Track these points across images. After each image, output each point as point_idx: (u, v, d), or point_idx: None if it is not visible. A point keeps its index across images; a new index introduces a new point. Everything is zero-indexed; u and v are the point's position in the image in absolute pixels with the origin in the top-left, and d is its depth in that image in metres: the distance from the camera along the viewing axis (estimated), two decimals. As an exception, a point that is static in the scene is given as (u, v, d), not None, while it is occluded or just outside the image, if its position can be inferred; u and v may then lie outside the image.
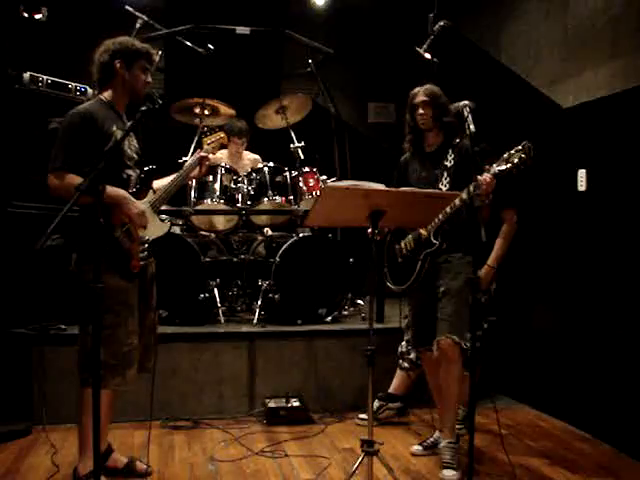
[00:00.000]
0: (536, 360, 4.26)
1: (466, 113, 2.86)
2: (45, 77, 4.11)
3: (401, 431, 3.80)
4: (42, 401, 3.68)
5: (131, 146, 3.02)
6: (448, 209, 3.07)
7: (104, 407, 2.73)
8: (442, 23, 4.19)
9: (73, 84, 4.23)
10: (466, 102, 2.90)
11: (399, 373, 3.92)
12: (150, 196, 3.02)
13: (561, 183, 4.03)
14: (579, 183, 3.88)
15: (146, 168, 3.12)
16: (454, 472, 3.08)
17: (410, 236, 3.31)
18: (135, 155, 3.03)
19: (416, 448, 3.46)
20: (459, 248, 3.25)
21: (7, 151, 3.94)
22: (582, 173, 3.86)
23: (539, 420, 4.02)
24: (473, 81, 4.73)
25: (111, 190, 2.78)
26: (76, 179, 2.70)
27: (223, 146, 5.22)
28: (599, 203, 3.75)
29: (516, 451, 3.44)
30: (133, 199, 2.88)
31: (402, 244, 3.34)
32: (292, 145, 4.93)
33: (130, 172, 2.97)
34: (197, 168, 3.23)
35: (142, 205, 2.91)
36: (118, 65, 2.93)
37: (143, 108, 2.70)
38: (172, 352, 3.98)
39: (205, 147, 3.36)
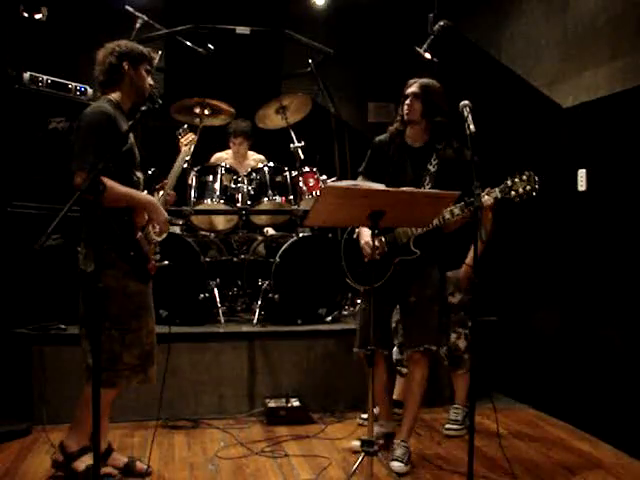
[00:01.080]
0: (536, 360, 4.26)
1: (466, 113, 2.85)
2: (45, 77, 4.11)
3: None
4: (42, 401, 3.67)
5: (137, 148, 3.06)
6: (436, 221, 3.05)
7: (107, 406, 2.88)
8: (442, 23, 4.19)
9: (73, 84, 4.23)
10: (466, 102, 2.90)
11: (400, 380, 3.91)
12: (158, 198, 3.07)
13: (561, 183, 4.03)
14: (579, 183, 3.88)
15: (150, 171, 3.15)
16: (403, 465, 3.13)
17: (384, 239, 3.20)
18: (139, 157, 3.07)
19: (354, 443, 3.41)
20: (432, 261, 3.24)
21: (7, 151, 3.94)
22: (582, 173, 3.86)
23: (539, 420, 4.02)
24: (473, 81, 4.73)
25: (140, 195, 2.90)
26: (107, 181, 2.60)
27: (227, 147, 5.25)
28: (599, 203, 3.75)
29: (516, 451, 3.44)
30: (159, 205, 2.93)
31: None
32: (292, 145, 4.93)
33: (139, 174, 3.01)
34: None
35: (165, 212, 2.97)
36: (126, 67, 2.97)
37: (143, 108, 2.71)
38: (172, 352, 3.97)
39: (183, 148, 3.30)
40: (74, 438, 2.95)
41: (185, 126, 3.41)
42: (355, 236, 3.37)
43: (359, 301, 4.83)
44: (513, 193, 2.92)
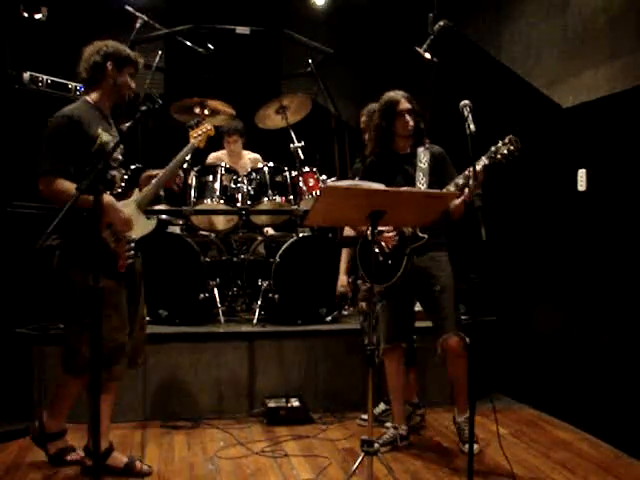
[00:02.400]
0: (536, 360, 4.26)
1: (466, 113, 2.86)
2: (45, 77, 4.11)
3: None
4: (42, 401, 3.67)
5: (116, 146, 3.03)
6: None
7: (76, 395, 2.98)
8: (442, 23, 4.19)
9: (73, 84, 4.22)
10: (466, 102, 2.90)
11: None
12: (136, 195, 3.07)
13: (561, 183, 4.02)
14: (579, 183, 3.88)
15: (133, 167, 3.14)
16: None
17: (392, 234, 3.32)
18: (120, 156, 3.08)
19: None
20: (442, 246, 3.37)
21: (7, 151, 3.94)
22: (582, 173, 3.86)
23: (539, 420, 4.02)
24: (473, 81, 4.72)
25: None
26: (65, 183, 2.80)
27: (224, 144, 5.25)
28: (599, 203, 3.75)
29: (516, 451, 3.44)
30: (118, 206, 2.90)
31: (383, 243, 3.33)
32: (292, 145, 4.93)
33: (114, 173, 3.02)
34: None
35: (127, 210, 2.93)
36: (110, 67, 3.00)
37: (143, 108, 2.72)
38: (172, 352, 3.98)
39: (192, 140, 3.37)
40: (53, 420, 3.06)
41: (196, 120, 3.42)
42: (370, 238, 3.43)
43: (361, 303, 4.86)
44: (499, 156, 3.06)
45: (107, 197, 2.87)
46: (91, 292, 2.33)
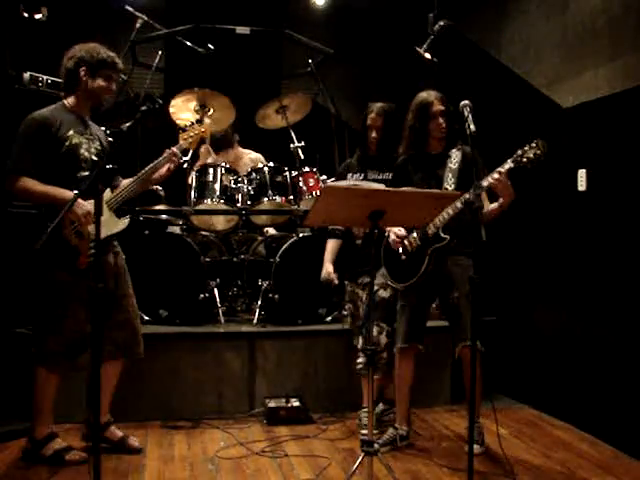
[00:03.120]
0: (536, 360, 4.26)
1: (466, 113, 2.86)
2: (45, 77, 4.11)
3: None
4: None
5: (90, 149, 3.13)
6: (452, 209, 3.14)
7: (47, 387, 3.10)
8: (442, 23, 4.19)
9: (73, 84, 4.22)
10: (466, 102, 2.90)
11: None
12: (108, 195, 3.12)
13: (561, 183, 4.03)
14: (579, 183, 3.88)
15: (107, 167, 3.16)
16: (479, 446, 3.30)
17: (414, 234, 3.33)
18: (95, 157, 3.14)
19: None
20: (465, 249, 3.32)
21: (7, 151, 3.93)
22: (582, 173, 3.86)
23: (539, 420, 4.02)
24: (473, 81, 4.73)
25: (57, 192, 2.97)
26: (28, 182, 2.97)
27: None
28: (599, 203, 3.75)
29: (516, 451, 3.44)
30: (80, 201, 2.95)
31: (405, 242, 3.35)
32: (292, 145, 4.93)
33: (86, 173, 3.08)
34: (166, 165, 3.27)
35: (88, 205, 2.97)
36: (82, 73, 3.08)
37: (143, 108, 2.74)
38: (172, 352, 3.98)
39: (180, 142, 3.37)
40: (39, 427, 3.15)
41: (190, 123, 3.42)
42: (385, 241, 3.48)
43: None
44: (525, 160, 3.03)
45: (66, 192, 2.96)
46: (91, 291, 2.36)
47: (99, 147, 3.20)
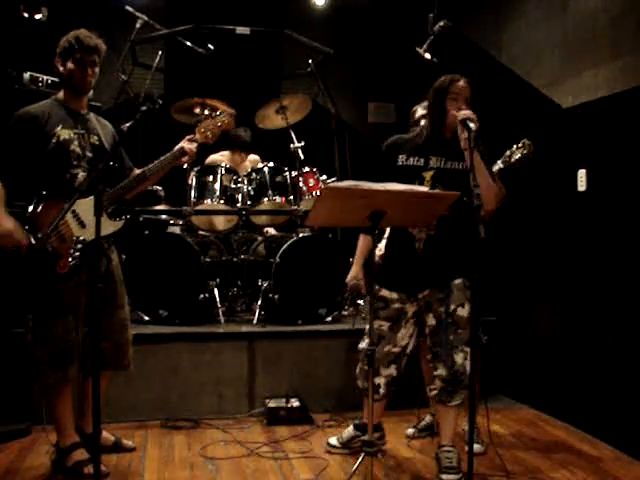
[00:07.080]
0: (536, 360, 4.26)
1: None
2: (45, 77, 4.11)
3: (402, 430, 3.79)
4: (42, 401, 3.67)
5: (84, 144, 2.99)
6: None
7: (59, 397, 3.00)
8: (442, 23, 4.19)
9: (73, 84, 4.22)
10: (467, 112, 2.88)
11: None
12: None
13: (561, 183, 4.03)
14: (579, 183, 3.88)
15: (111, 164, 3.11)
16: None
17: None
18: (89, 154, 2.99)
19: (410, 431, 3.62)
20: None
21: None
22: (582, 173, 3.86)
23: (539, 420, 4.02)
24: (473, 81, 4.72)
25: None
26: None
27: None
28: (599, 203, 3.75)
29: (516, 451, 3.44)
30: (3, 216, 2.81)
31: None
32: (292, 145, 4.93)
33: (76, 171, 2.94)
34: (176, 160, 3.10)
35: (9, 223, 2.82)
36: (58, 64, 3.01)
37: (143, 108, 2.71)
38: (172, 352, 3.98)
39: (197, 135, 3.16)
40: (59, 436, 3.07)
41: (204, 115, 3.33)
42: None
43: (359, 301, 4.86)
44: (513, 160, 3.11)
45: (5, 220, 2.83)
46: (93, 292, 2.34)
47: (97, 142, 3.03)
